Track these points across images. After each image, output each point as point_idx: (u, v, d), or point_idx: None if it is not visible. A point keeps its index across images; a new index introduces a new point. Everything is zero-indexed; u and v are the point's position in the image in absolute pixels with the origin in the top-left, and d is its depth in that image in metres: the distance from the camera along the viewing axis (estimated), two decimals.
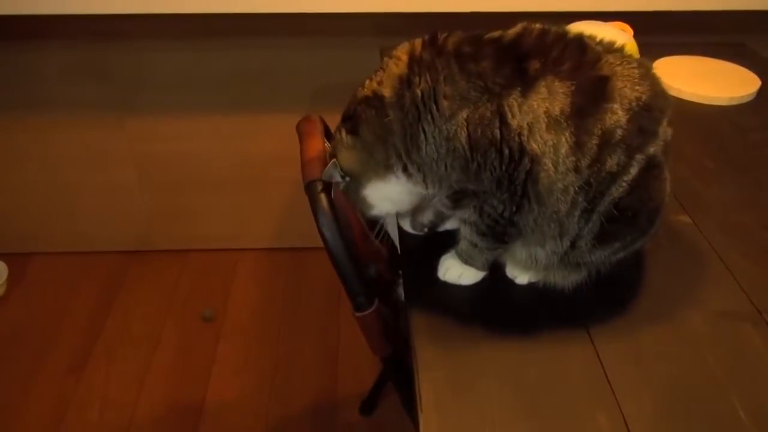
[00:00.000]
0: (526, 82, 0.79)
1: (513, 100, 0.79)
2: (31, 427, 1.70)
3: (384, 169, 0.88)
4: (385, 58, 0.90)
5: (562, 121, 0.78)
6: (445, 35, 0.86)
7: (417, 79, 0.83)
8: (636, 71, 0.83)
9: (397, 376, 1.17)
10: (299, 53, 1.92)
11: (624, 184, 0.82)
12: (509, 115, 0.79)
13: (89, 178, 2.13)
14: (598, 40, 0.86)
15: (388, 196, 0.92)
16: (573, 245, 0.86)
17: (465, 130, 0.80)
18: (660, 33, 1.63)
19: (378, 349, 1.09)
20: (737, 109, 1.42)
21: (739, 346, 0.84)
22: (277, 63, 1.93)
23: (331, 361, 1.88)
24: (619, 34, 1.30)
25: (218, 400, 1.77)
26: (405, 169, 0.87)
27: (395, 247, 1.13)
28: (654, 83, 0.85)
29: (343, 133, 0.91)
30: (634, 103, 0.81)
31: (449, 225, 1.02)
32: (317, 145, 1.07)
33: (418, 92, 0.82)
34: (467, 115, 0.80)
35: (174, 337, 1.96)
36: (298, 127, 1.16)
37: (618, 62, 0.83)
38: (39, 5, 1.58)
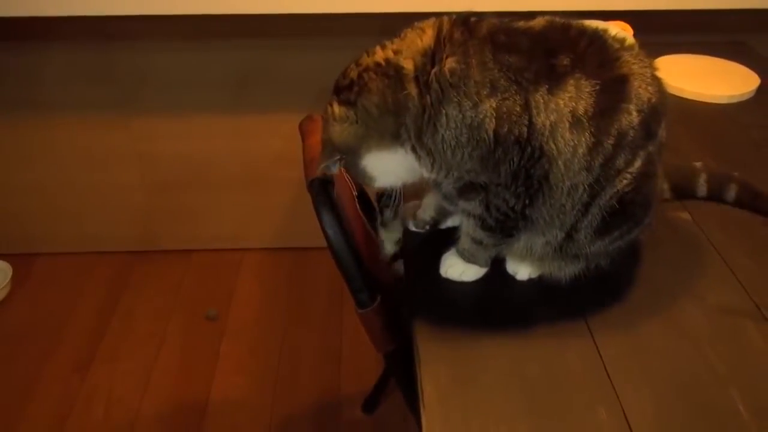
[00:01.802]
0: (553, 79, 0.78)
1: (540, 97, 0.77)
2: (36, 426, 1.71)
3: (390, 138, 0.83)
4: (405, 29, 0.85)
5: (585, 121, 0.78)
6: (476, 19, 0.83)
7: (445, 56, 0.79)
8: (648, 71, 0.84)
9: (400, 372, 1.18)
10: (302, 53, 1.93)
11: (625, 180, 0.83)
12: (535, 112, 0.77)
13: (93, 179, 2.14)
14: (612, 35, 0.85)
15: (390, 168, 0.87)
16: (570, 237, 0.87)
17: (493, 121, 0.77)
18: (660, 32, 1.63)
19: (380, 345, 1.10)
20: (737, 107, 1.43)
21: (738, 342, 0.85)
22: (280, 63, 1.94)
23: (334, 359, 1.89)
24: (620, 34, 1.31)
25: (222, 398, 1.78)
26: (414, 150, 0.83)
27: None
28: (660, 84, 0.86)
29: (335, 106, 0.85)
30: (645, 105, 0.82)
31: (450, 222, 1.03)
32: (319, 144, 1.07)
33: (447, 71, 0.78)
34: (496, 105, 0.77)
35: (178, 336, 1.97)
36: (300, 126, 1.17)
37: (634, 61, 0.83)
38: (43, 7, 1.59)
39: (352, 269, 0.99)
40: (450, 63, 0.78)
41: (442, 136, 0.80)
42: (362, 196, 1.33)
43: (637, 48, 0.86)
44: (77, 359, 1.89)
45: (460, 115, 0.78)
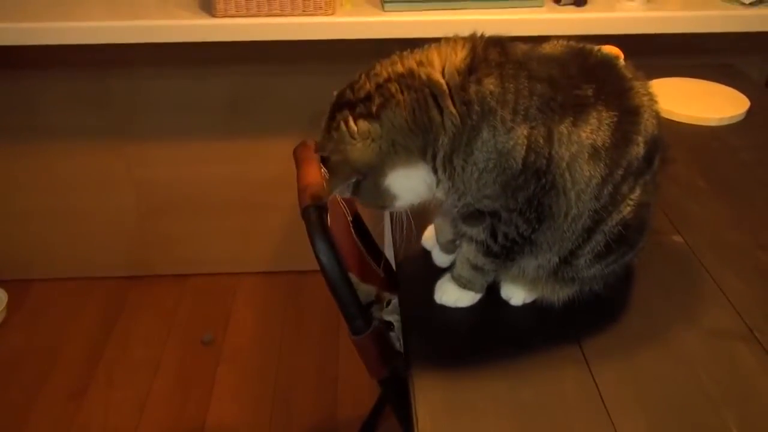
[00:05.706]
0: (577, 111, 0.78)
1: (564, 128, 0.77)
2: None
3: (417, 154, 0.79)
4: (427, 45, 0.80)
5: (602, 152, 0.79)
6: (509, 41, 0.81)
7: (483, 76, 0.76)
8: (654, 102, 0.85)
9: (395, 398, 1.18)
10: (295, 78, 1.94)
11: (629, 206, 0.84)
12: (557, 144, 0.77)
13: (88, 204, 2.14)
14: (620, 60, 0.85)
15: (414, 185, 0.82)
16: (567, 262, 0.87)
17: (523, 150, 0.76)
18: (650, 56, 1.65)
19: (375, 371, 1.10)
20: (727, 129, 1.44)
21: (732, 365, 0.85)
22: (274, 88, 1.96)
23: (331, 383, 1.88)
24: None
25: (218, 423, 1.77)
26: (434, 170, 0.80)
27: (393, 271, 1.14)
28: (659, 116, 0.87)
29: (351, 122, 0.79)
30: (649, 137, 0.83)
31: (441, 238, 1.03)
32: (314, 171, 1.08)
33: (487, 92, 0.76)
34: (527, 133, 0.76)
35: (174, 361, 1.96)
36: (294, 153, 1.18)
37: (644, 91, 0.84)
38: (40, 36, 1.61)
39: (347, 296, 0.99)
40: (489, 85, 0.76)
41: (476, 158, 0.78)
42: (357, 221, 1.34)
43: (642, 77, 0.86)
44: (72, 386, 1.88)
45: (493, 139, 0.77)
